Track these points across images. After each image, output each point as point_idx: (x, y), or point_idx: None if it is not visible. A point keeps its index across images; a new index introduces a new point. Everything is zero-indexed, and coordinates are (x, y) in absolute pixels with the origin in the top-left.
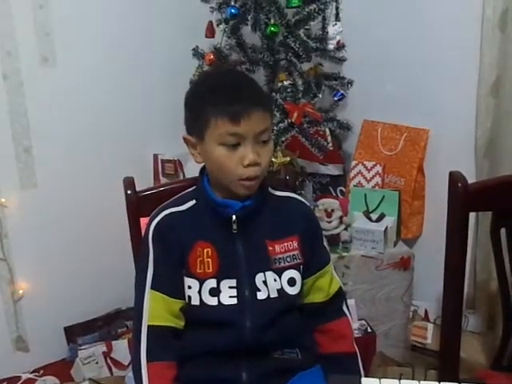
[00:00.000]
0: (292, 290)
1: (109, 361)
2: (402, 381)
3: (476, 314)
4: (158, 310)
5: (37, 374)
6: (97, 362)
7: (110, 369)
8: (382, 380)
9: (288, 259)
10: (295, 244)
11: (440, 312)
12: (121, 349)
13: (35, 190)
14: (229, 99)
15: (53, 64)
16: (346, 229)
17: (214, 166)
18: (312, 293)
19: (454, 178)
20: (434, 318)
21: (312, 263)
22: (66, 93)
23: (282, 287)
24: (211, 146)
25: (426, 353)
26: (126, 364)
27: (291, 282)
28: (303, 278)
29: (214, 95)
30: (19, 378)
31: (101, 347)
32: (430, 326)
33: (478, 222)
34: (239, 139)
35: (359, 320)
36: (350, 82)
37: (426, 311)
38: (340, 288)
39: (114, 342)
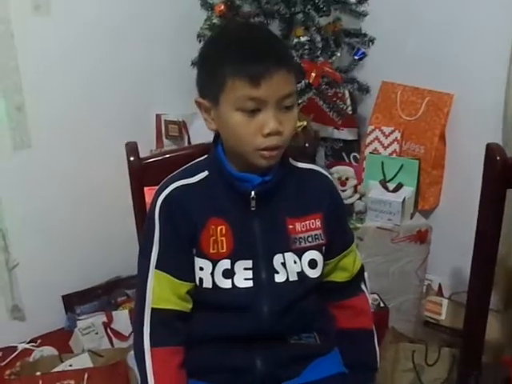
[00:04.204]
0: (313, 273)
1: (109, 331)
2: None
3: (494, 291)
4: (162, 291)
5: (34, 344)
6: (96, 333)
7: (110, 339)
8: None
9: (309, 239)
10: (318, 223)
11: (455, 287)
12: (121, 319)
13: (29, 151)
14: (248, 57)
15: (46, 12)
16: (360, 198)
17: (230, 134)
18: (335, 272)
19: (492, 151)
20: (449, 294)
21: (336, 243)
22: (61, 45)
23: (302, 270)
24: (227, 111)
25: (439, 329)
26: (127, 335)
27: (312, 264)
28: (326, 259)
29: (232, 52)
30: (15, 348)
31: (101, 317)
32: (445, 302)
33: None
34: (259, 104)
35: (371, 294)
36: (372, 40)
37: (439, 285)
38: (362, 266)
39: (114, 313)
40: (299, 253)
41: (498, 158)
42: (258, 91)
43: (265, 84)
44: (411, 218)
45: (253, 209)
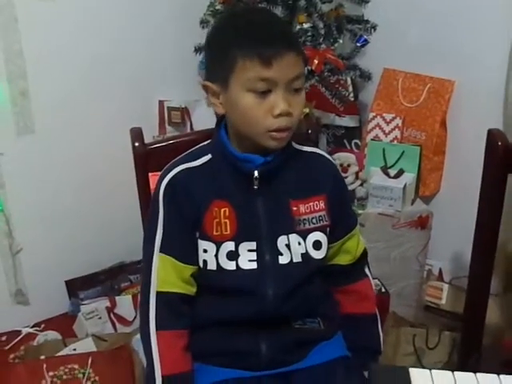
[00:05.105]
0: (317, 254)
1: (112, 316)
2: (455, 372)
3: (494, 275)
4: (167, 275)
5: (37, 328)
6: (100, 318)
7: (113, 324)
8: (433, 371)
9: (314, 221)
10: (322, 204)
11: (456, 272)
12: (124, 304)
13: (33, 137)
14: (260, 39)
15: None
16: (361, 185)
17: (240, 116)
18: (339, 255)
19: (493, 136)
20: (449, 279)
21: (340, 226)
22: (65, 30)
23: (306, 251)
24: (237, 92)
25: (439, 313)
26: (130, 320)
27: (316, 245)
28: (330, 241)
29: (243, 34)
30: (19, 332)
31: (104, 302)
32: (446, 287)
33: None
34: (270, 85)
35: (373, 279)
36: (374, 27)
37: (440, 270)
38: (365, 249)
39: (117, 298)
40: (303, 234)
41: (500, 143)
42: (269, 72)
43: (276, 64)
44: (412, 203)
45: (256, 187)
